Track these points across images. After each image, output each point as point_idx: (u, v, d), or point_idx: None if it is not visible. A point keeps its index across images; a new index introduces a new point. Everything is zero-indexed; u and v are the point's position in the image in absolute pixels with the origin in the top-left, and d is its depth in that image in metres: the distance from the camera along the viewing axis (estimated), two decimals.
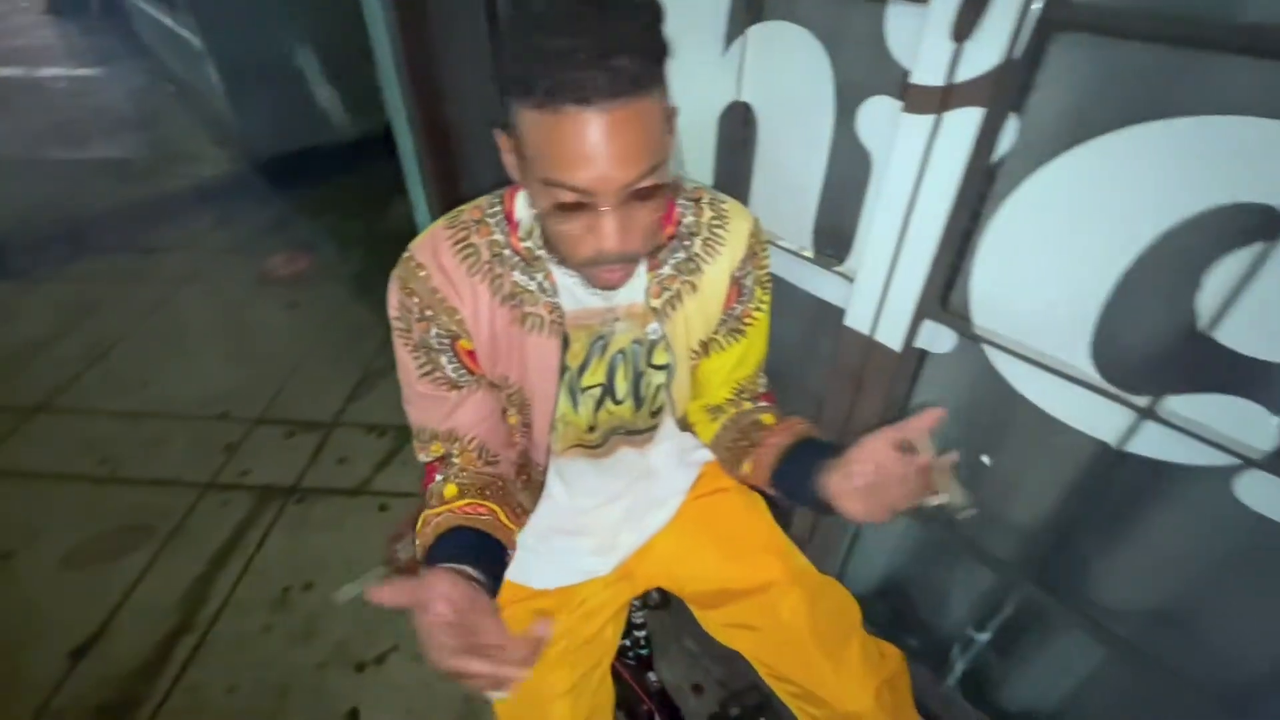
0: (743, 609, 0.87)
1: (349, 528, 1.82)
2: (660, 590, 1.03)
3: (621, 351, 0.77)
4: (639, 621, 1.06)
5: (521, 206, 0.70)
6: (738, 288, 0.78)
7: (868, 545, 1.29)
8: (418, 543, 0.70)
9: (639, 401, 0.82)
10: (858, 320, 0.97)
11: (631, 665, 1.11)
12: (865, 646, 0.85)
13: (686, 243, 0.75)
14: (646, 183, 0.55)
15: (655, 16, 0.53)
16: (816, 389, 1.13)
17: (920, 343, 0.93)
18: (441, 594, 0.51)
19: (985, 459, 1.04)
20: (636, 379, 0.80)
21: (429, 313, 0.68)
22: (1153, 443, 0.77)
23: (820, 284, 1.03)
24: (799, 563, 0.89)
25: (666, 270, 0.74)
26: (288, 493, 1.94)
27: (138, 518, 1.87)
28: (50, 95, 5.45)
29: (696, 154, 1.12)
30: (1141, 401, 0.75)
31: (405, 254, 0.69)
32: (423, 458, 0.77)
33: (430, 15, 1.51)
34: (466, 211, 0.71)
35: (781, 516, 1.01)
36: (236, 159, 4.11)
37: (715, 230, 0.75)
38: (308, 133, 3.97)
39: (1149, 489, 0.85)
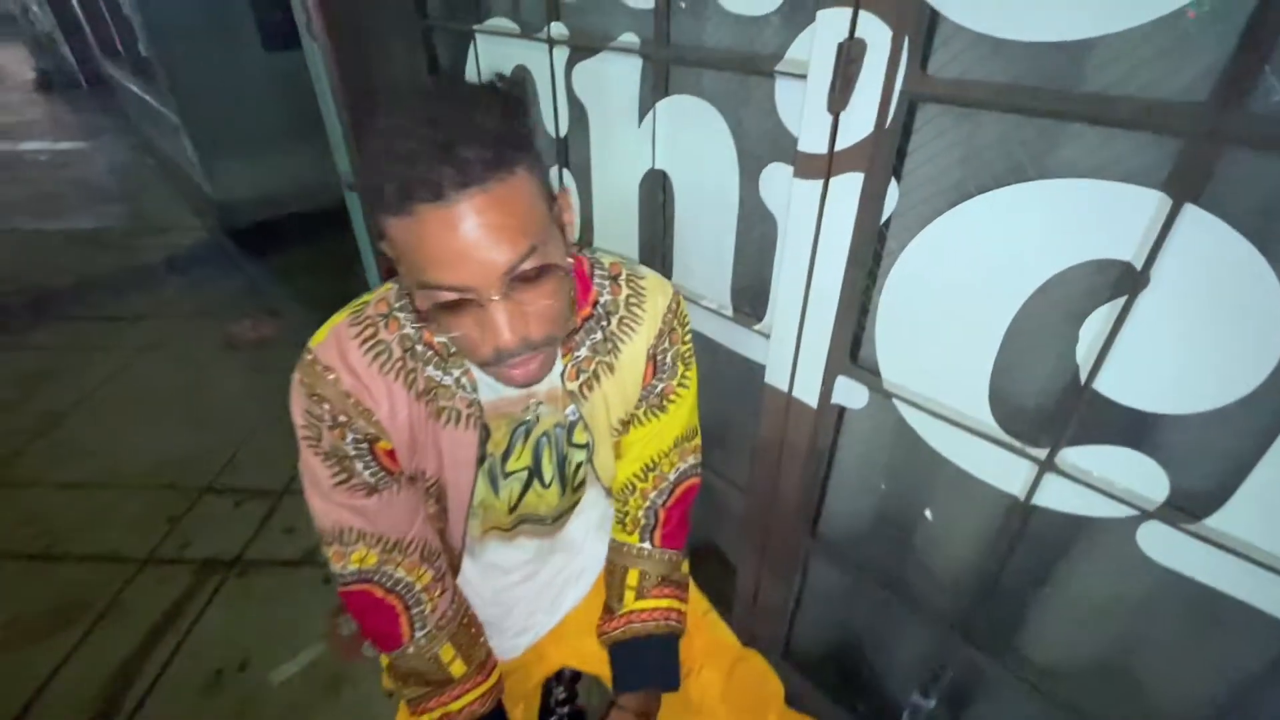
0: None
1: (291, 601, 1.75)
2: (572, 671, 1.00)
3: (546, 434, 0.76)
4: (561, 698, 1.01)
5: None
6: (654, 364, 0.77)
7: (812, 606, 1.26)
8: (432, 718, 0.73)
9: (564, 482, 0.81)
10: (776, 377, 0.98)
11: None
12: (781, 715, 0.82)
13: (604, 323, 0.74)
14: (528, 265, 0.52)
15: (509, 105, 0.53)
16: (748, 444, 1.13)
17: (837, 399, 0.94)
18: None
19: (927, 513, 1.03)
20: (561, 460, 0.79)
21: (342, 419, 0.64)
22: (1056, 495, 0.77)
23: (742, 341, 1.04)
24: (715, 636, 0.86)
25: (583, 352, 0.73)
26: (229, 565, 1.87)
27: (72, 595, 1.79)
28: (29, 168, 5.54)
29: (621, 221, 1.16)
30: (1040, 453, 0.76)
31: (307, 355, 0.64)
32: (339, 567, 0.70)
33: (376, 89, 1.57)
34: (371, 305, 0.66)
35: (722, 572, 0.98)
36: (211, 228, 4.16)
37: (632, 308, 0.75)
38: (280, 202, 4.05)
39: (1061, 542, 0.84)
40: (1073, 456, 0.74)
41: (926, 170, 0.75)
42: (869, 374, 0.89)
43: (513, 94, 0.54)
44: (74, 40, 7.84)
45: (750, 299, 1.03)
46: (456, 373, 0.68)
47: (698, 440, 0.88)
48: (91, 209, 4.64)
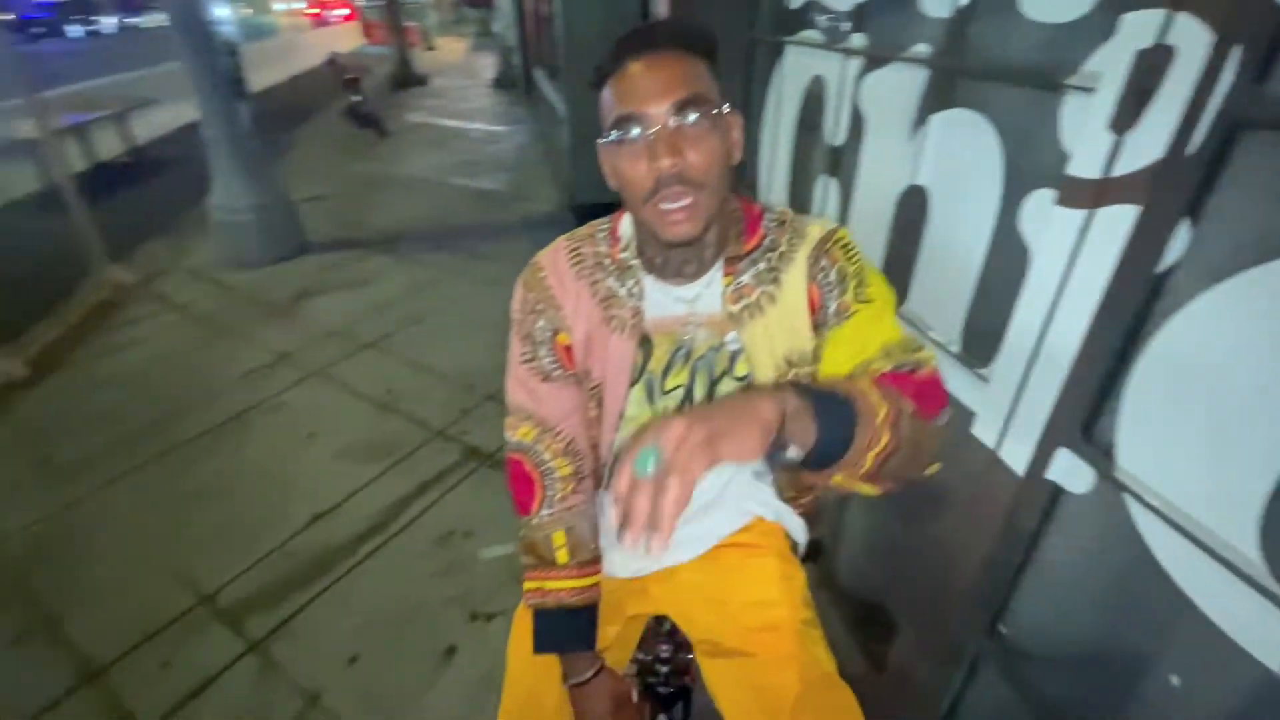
0: (734, 666, 0.82)
1: None
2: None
3: (702, 358, 0.82)
4: (665, 655, 1.04)
5: (624, 225, 0.82)
6: (816, 287, 0.77)
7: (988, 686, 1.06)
8: (530, 588, 0.87)
9: None
10: (984, 430, 0.86)
11: (652, 688, 1.07)
12: None
13: (769, 254, 0.78)
14: (690, 112, 0.65)
15: (705, 33, 0.69)
16: (938, 498, 1.01)
17: (1053, 474, 0.79)
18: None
19: (1174, 680, 0.81)
20: (711, 386, 0.83)
21: (539, 307, 0.81)
22: None
23: (958, 381, 0.94)
24: (810, 650, 0.81)
25: (746, 279, 0.78)
26: (486, 457, 2.32)
27: (388, 439, 2.43)
28: (468, 142, 7.44)
29: (873, 236, 1.12)
30: None
31: (533, 260, 0.84)
32: (510, 435, 0.87)
33: None
34: (585, 229, 0.84)
35: (883, 632, 0.90)
36: (562, 203, 5.09)
37: (793, 242, 0.78)
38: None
39: None
40: None
41: (1241, 213, 0.59)
42: (1100, 455, 0.73)
43: (709, 31, 0.70)
44: (522, 51, 10.22)
45: (982, 340, 0.92)
46: (630, 283, 0.79)
47: (925, 352, 0.72)
48: (493, 175, 6.04)
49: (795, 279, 0.77)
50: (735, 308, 0.78)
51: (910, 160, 1.00)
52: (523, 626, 0.89)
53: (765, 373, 0.81)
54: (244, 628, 1.73)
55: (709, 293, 0.79)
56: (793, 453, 0.56)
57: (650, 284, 0.80)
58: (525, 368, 0.84)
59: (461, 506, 2.11)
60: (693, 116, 0.66)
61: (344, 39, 12.67)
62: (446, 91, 10.71)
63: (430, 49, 16.95)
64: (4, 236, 4.52)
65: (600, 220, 0.85)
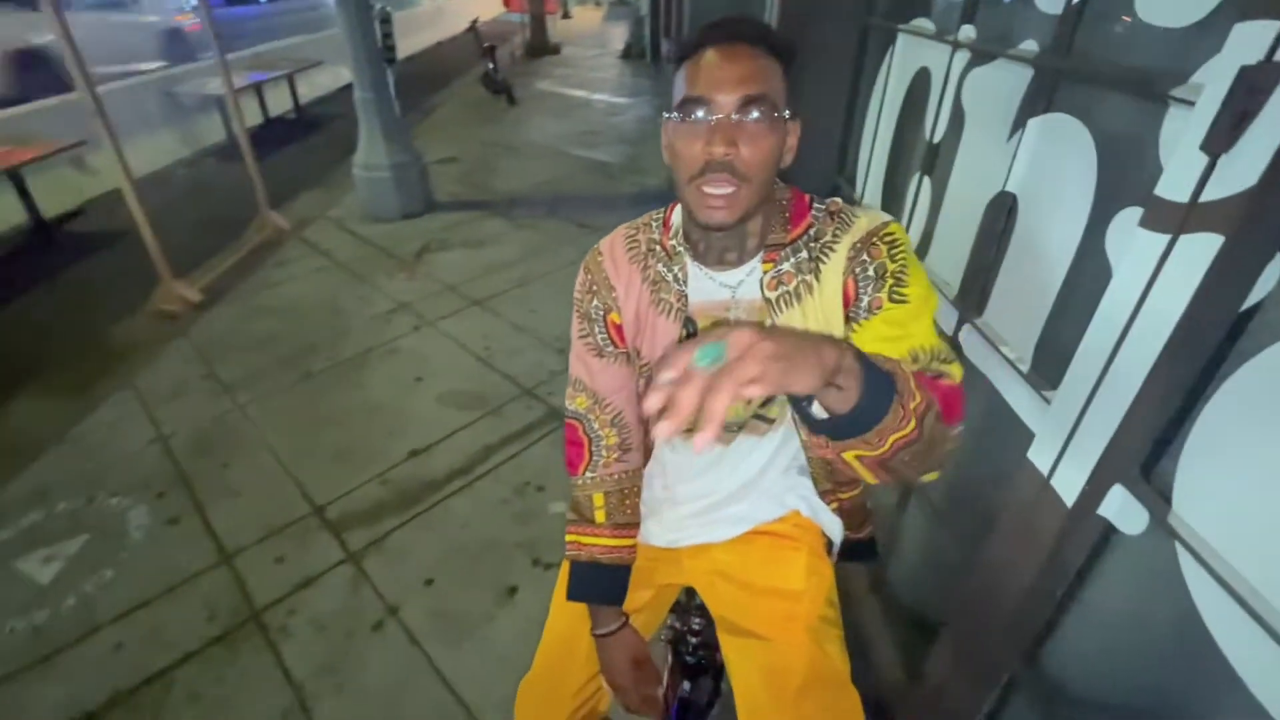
0: (749, 646, 0.86)
1: None
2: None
3: None
4: (696, 628, 1.09)
5: (676, 214, 0.86)
6: (853, 280, 0.76)
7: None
8: (570, 539, 0.94)
9: None
10: (1040, 454, 0.83)
11: (681, 656, 1.13)
12: None
13: (811, 244, 0.79)
14: (758, 105, 0.68)
15: (787, 43, 0.72)
16: (991, 521, 0.98)
17: (1105, 510, 0.75)
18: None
19: None
20: None
21: (595, 288, 0.88)
22: None
23: (1023, 402, 0.90)
24: (824, 646, 0.83)
25: (786, 266, 0.79)
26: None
27: (483, 391, 2.63)
28: (590, 112, 7.60)
29: (958, 240, 1.08)
30: None
31: (596, 245, 0.90)
32: (569, 403, 0.95)
33: (804, 82, 1.73)
34: (644, 217, 0.90)
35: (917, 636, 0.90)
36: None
37: (837, 233, 0.78)
38: None
39: None
40: None
41: None
42: (1156, 497, 0.69)
43: (791, 44, 0.73)
44: (652, 20, 10.19)
45: (1054, 361, 0.87)
46: (676, 269, 0.84)
47: (954, 365, 0.72)
48: (611, 147, 6.16)
49: (834, 270, 0.78)
50: (773, 294, 0.81)
51: (1004, 163, 0.95)
52: (565, 575, 0.98)
53: None
54: (345, 540, 1.98)
55: (750, 280, 0.81)
56: (817, 410, 0.57)
57: (694, 269, 0.84)
58: (582, 343, 0.91)
59: (539, 461, 2.26)
60: (755, 114, 0.69)
61: (486, 6, 13.23)
62: (576, 60, 10.94)
63: (566, 17, 17.31)
64: (195, 179, 5.26)
65: (658, 210, 0.90)
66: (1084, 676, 0.86)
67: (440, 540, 1.98)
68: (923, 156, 1.20)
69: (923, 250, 1.22)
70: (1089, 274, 0.80)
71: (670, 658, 1.18)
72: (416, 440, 2.36)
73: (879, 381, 0.57)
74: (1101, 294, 0.77)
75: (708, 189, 0.71)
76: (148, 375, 2.77)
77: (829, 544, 0.96)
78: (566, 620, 0.96)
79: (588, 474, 0.94)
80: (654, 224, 0.88)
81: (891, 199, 1.38)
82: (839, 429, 0.58)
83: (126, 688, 1.60)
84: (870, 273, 0.76)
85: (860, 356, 0.55)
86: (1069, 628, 0.86)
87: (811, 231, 0.80)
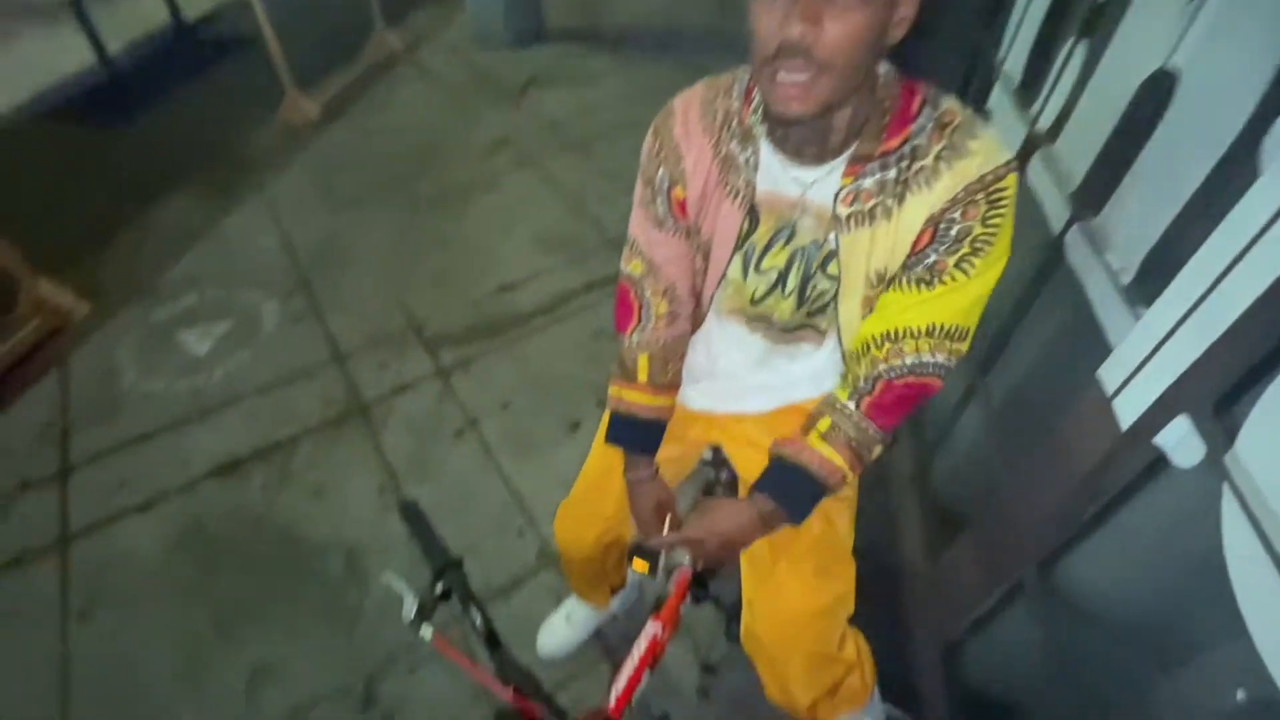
0: None
1: None
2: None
3: (802, 249, 0.80)
4: (725, 479, 1.17)
5: None
6: (933, 231, 0.70)
7: (980, 637, 1.09)
8: (613, 393, 0.99)
9: (801, 300, 0.85)
10: (1110, 373, 0.78)
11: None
12: (819, 616, 0.88)
13: (903, 163, 0.69)
14: None
15: None
16: (1039, 430, 0.95)
17: (1161, 439, 0.71)
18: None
19: (1240, 694, 0.77)
20: (805, 279, 0.82)
21: (662, 155, 0.81)
22: None
23: (1113, 315, 0.83)
24: (834, 520, 0.89)
25: (867, 183, 0.71)
26: None
27: (572, 237, 2.66)
28: None
29: (1095, 125, 0.94)
30: None
31: (671, 102, 0.81)
32: (624, 265, 0.94)
33: None
34: (725, 77, 0.79)
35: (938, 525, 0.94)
36: None
37: (940, 163, 0.68)
38: None
39: None
40: None
41: None
42: (1223, 435, 0.64)
43: None
44: None
45: (1158, 278, 0.78)
46: (749, 151, 0.76)
47: (963, 346, 0.76)
48: None
49: (921, 205, 0.69)
50: (846, 210, 0.73)
51: (1173, 34, 0.79)
52: (608, 419, 1.06)
53: (854, 283, 0.78)
54: (437, 356, 2.21)
55: (827, 183, 0.74)
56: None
57: (768, 156, 0.76)
58: (643, 210, 0.88)
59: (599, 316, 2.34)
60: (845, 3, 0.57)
61: None
62: None
63: None
64: None
65: (744, 70, 0.79)
66: (1088, 595, 0.88)
67: (519, 369, 2.16)
68: (1083, 17, 1.01)
69: (1056, 130, 1.07)
70: (1230, 183, 0.69)
71: (700, 500, 1.29)
72: (506, 276, 2.49)
73: (804, 492, 0.84)
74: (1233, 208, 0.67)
75: (781, 76, 0.61)
76: (275, 185, 3.02)
77: None
78: (605, 457, 1.05)
79: (635, 336, 0.96)
80: (736, 91, 0.79)
81: (1037, 67, 1.19)
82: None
83: (263, 446, 1.95)
84: (951, 234, 0.69)
85: (778, 495, 0.86)
86: (1088, 547, 0.86)
87: (909, 147, 0.69)
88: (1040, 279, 1.04)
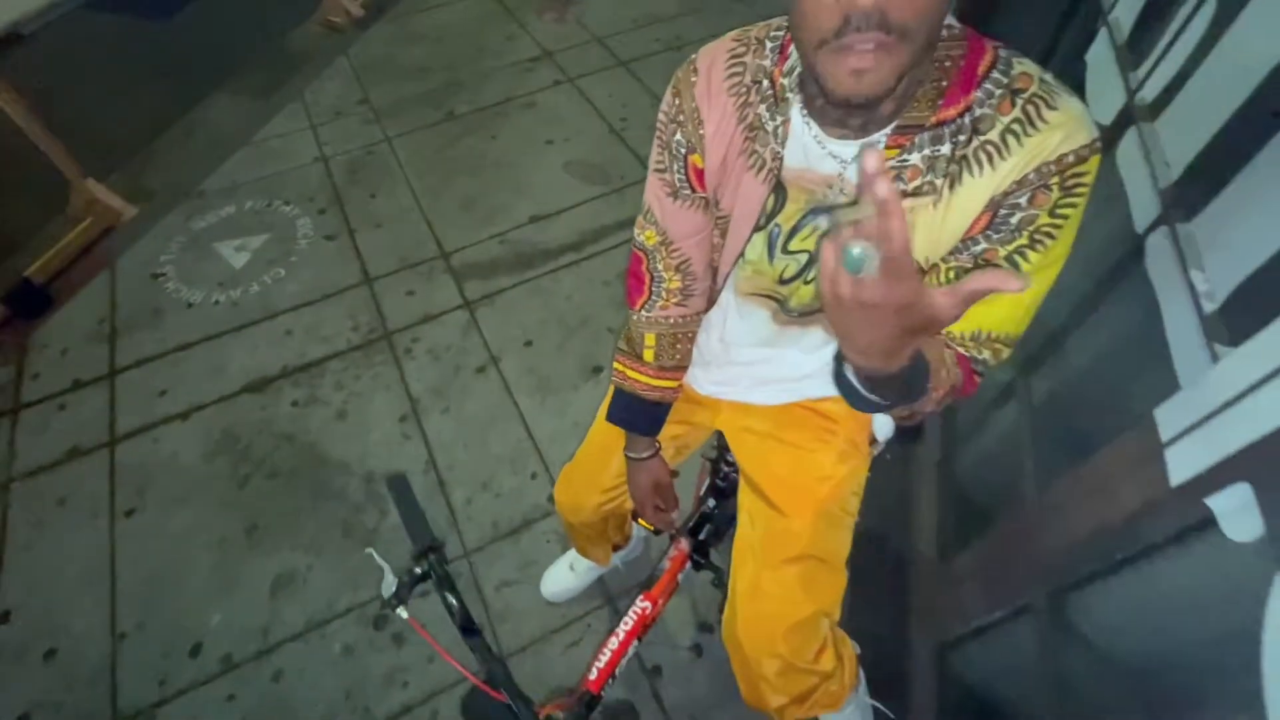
0: (760, 506, 0.89)
1: None
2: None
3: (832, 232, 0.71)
4: (731, 460, 1.13)
5: None
6: (991, 215, 0.59)
7: (977, 645, 1.05)
8: (617, 368, 0.94)
9: None
10: (1170, 418, 0.68)
11: (715, 477, 1.21)
12: (796, 627, 0.85)
13: (961, 137, 0.58)
14: None
15: None
16: (1083, 453, 0.87)
17: (1215, 503, 0.63)
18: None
19: None
20: None
21: (680, 119, 0.71)
22: None
23: (1188, 349, 0.72)
24: (828, 531, 0.84)
25: (914, 159, 0.60)
26: None
27: (610, 166, 2.52)
28: None
29: (1207, 105, 0.78)
30: None
31: (694, 55, 0.71)
32: (637, 233, 0.86)
33: None
34: (758, 28, 0.68)
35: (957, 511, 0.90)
36: None
37: (1009, 136, 0.56)
38: None
39: None
40: None
41: None
42: None
43: None
44: None
45: (1250, 313, 0.67)
46: (779, 120, 0.66)
47: (1008, 354, 0.67)
48: None
49: (981, 189, 0.58)
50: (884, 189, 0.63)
51: None
52: (612, 394, 1.02)
53: None
54: (464, 287, 2.18)
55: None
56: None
57: (801, 127, 0.65)
58: (657, 176, 0.79)
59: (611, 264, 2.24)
60: None
61: None
62: None
63: None
64: None
65: (778, 22, 0.67)
66: (1098, 627, 0.82)
67: (544, 307, 2.11)
68: None
69: (1161, 105, 0.90)
70: None
71: (707, 475, 1.26)
72: (538, 205, 2.40)
73: (919, 379, 0.55)
74: None
75: (846, 53, 0.49)
76: (314, 90, 2.94)
77: (871, 438, 0.91)
78: (608, 429, 1.02)
79: (643, 312, 0.90)
80: (769, 45, 0.67)
81: (1151, 22, 1.00)
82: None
83: (294, 366, 2.00)
84: (1014, 221, 0.58)
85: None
86: (1108, 585, 0.80)
87: (969, 118, 0.58)
88: (1111, 280, 0.91)
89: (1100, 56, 1.10)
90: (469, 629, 0.72)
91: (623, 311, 2.08)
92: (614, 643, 0.97)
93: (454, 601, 0.71)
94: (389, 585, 0.72)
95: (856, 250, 0.40)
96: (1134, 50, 1.01)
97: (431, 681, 1.44)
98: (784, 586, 0.84)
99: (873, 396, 0.56)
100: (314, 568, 1.62)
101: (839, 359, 0.56)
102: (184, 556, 1.65)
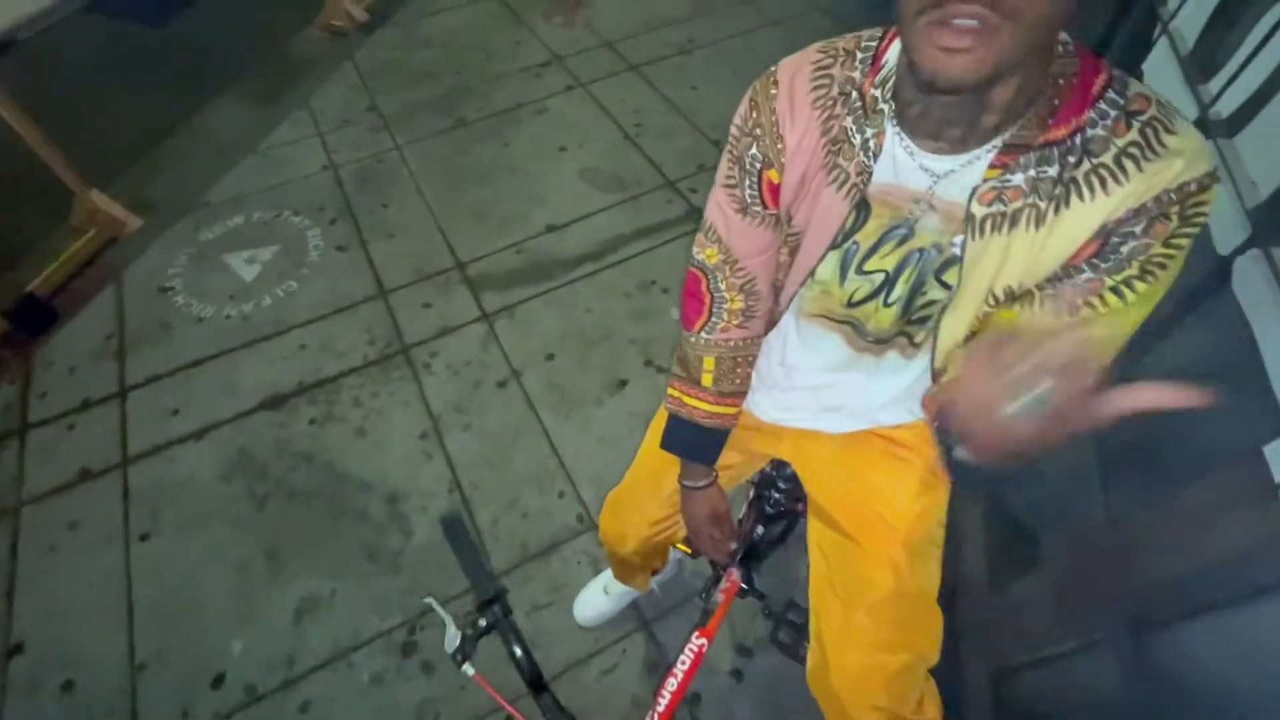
0: (837, 541, 0.85)
1: None
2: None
3: (919, 251, 0.67)
4: (783, 486, 1.10)
5: (893, 52, 0.61)
6: (1102, 243, 0.56)
7: (1043, 672, 1.01)
8: (673, 394, 0.89)
9: (905, 310, 0.73)
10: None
11: (763, 502, 1.18)
12: (897, 675, 0.79)
13: (1071, 158, 0.55)
14: None
15: None
16: (1164, 478, 0.83)
17: None
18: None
19: None
20: (916, 287, 0.70)
21: (758, 132, 0.68)
22: None
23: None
24: (917, 564, 0.80)
25: (1017, 179, 0.57)
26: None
27: (625, 174, 2.49)
28: None
29: None
30: None
31: (773, 68, 0.68)
32: (696, 251, 0.82)
33: None
34: (846, 40, 0.66)
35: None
36: None
37: (1124, 161, 0.54)
38: None
39: None
40: None
41: None
42: None
43: None
44: None
45: None
46: (870, 132, 0.62)
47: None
48: None
49: (1087, 215, 0.55)
50: (981, 210, 0.59)
51: None
52: (663, 416, 0.97)
53: (971, 298, 0.65)
54: (481, 299, 2.13)
55: (965, 174, 0.59)
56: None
57: (894, 140, 0.62)
58: (725, 191, 0.75)
59: (667, 262, 2.21)
60: None
61: None
62: None
63: None
64: None
65: (868, 33, 0.65)
66: (1185, 667, 0.79)
67: (564, 319, 2.07)
68: None
69: (1241, 120, 0.87)
70: None
71: (751, 499, 1.22)
72: (554, 215, 2.36)
73: None
74: None
75: (946, 29, 0.46)
76: (320, 97, 2.88)
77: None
78: (658, 456, 0.97)
79: (702, 334, 0.85)
80: (859, 57, 0.64)
81: (1220, 31, 0.96)
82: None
83: (309, 382, 1.95)
84: (1124, 250, 0.55)
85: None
86: (1204, 625, 0.76)
87: (1080, 139, 0.55)
88: (1192, 301, 0.88)
89: (1160, 68, 1.07)
90: (539, 685, 0.67)
91: (645, 324, 2.05)
92: (672, 684, 0.93)
93: (522, 656, 0.67)
94: (452, 640, 0.68)
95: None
96: (1201, 62, 0.97)
97: (464, 712, 1.39)
98: (878, 632, 0.80)
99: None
100: (338, 592, 1.57)
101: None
102: (203, 582, 1.60)
